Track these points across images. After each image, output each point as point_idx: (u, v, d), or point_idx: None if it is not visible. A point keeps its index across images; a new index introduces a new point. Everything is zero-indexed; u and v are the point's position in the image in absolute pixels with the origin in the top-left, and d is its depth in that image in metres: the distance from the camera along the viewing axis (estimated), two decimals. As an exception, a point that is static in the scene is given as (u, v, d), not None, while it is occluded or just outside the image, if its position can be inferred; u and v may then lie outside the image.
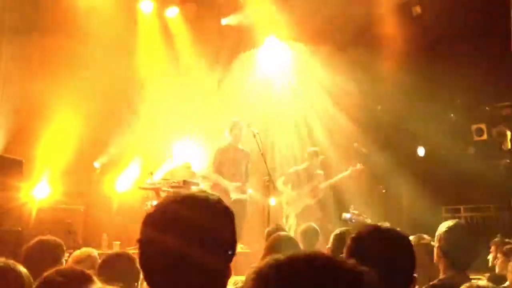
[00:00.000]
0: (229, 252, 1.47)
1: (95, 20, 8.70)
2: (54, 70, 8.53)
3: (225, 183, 7.77)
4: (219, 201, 1.51)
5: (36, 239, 3.69)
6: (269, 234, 5.20)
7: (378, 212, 8.87)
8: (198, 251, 1.37)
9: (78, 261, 3.52)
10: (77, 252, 3.67)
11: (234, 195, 7.73)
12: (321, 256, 0.95)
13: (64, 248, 3.73)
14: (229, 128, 7.94)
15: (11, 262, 2.40)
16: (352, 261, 0.97)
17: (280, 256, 0.95)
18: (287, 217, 8.61)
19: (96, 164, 9.17)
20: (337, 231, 3.92)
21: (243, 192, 7.88)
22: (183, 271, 1.38)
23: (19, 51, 8.41)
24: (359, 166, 8.72)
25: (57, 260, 3.57)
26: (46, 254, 3.52)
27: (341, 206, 9.27)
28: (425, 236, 3.83)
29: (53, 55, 8.63)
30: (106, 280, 2.91)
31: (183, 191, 1.56)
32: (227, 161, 7.92)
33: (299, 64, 10.58)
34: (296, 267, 0.92)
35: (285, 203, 8.61)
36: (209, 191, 6.16)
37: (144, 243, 1.44)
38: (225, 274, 1.46)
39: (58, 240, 3.71)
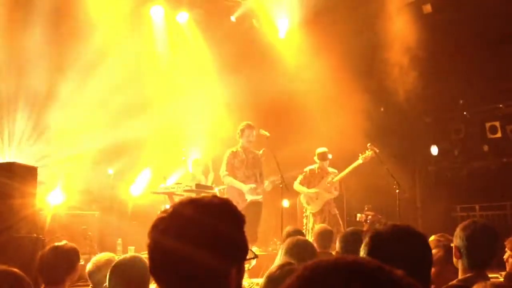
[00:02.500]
0: (238, 255, 1.46)
1: (110, 27, 8.77)
2: (69, 78, 8.61)
3: (240, 185, 7.74)
4: (225, 204, 1.50)
5: (51, 245, 3.71)
6: (288, 234, 5.14)
7: (392, 211, 8.78)
8: (205, 254, 1.37)
9: (98, 265, 3.54)
10: (97, 257, 3.69)
11: (249, 197, 7.70)
12: (366, 262, 0.91)
13: (79, 254, 3.74)
14: (241, 130, 7.92)
15: (13, 270, 2.39)
16: (400, 272, 0.92)
17: (323, 260, 0.91)
18: (307, 218, 8.51)
19: (110, 170, 9.22)
20: (344, 232, 3.83)
21: (258, 193, 7.84)
22: (190, 275, 1.39)
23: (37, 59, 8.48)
24: (368, 152, 8.20)
25: (72, 265, 3.59)
26: (61, 260, 3.54)
27: (353, 204, 9.21)
28: (444, 235, 3.79)
29: (68, 63, 8.70)
30: (117, 284, 2.92)
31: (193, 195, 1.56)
32: (240, 164, 7.89)
33: (302, 63, 10.48)
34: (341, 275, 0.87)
35: (305, 203, 8.54)
36: (224, 194, 6.13)
37: (152, 247, 1.45)
38: (235, 277, 1.46)
39: (73, 245, 3.72)
